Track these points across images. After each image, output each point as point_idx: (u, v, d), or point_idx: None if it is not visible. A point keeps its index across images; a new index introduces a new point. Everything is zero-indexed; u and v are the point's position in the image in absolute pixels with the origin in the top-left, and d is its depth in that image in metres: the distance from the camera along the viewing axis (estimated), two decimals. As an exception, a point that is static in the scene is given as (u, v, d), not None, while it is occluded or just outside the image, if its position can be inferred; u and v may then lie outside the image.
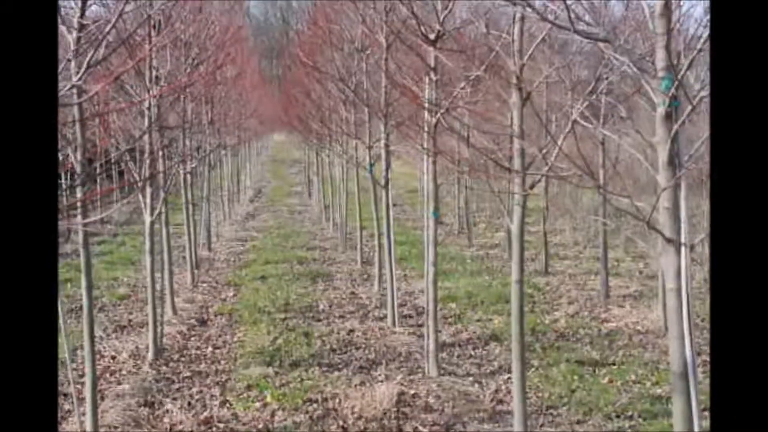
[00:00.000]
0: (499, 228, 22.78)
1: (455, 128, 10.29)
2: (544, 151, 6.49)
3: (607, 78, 7.92)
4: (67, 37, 6.58)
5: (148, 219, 10.40)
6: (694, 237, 4.87)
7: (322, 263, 18.57)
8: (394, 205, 14.60)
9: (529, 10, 5.08)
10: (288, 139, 56.69)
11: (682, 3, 4.91)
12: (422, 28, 9.08)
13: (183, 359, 10.70)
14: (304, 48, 18.17)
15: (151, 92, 10.09)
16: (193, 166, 16.44)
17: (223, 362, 10.61)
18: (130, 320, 12.71)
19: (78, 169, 7.00)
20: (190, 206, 16.17)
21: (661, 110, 4.62)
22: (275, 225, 25.98)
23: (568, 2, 4.67)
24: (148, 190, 10.39)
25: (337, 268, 17.85)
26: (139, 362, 10.40)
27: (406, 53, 10.88)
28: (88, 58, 5.53)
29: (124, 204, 22.31)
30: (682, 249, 4.71)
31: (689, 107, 4.62)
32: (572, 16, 4.69)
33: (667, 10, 4.57)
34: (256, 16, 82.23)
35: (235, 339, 11.80)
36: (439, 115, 9.20)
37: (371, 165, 14.14)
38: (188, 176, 15.84)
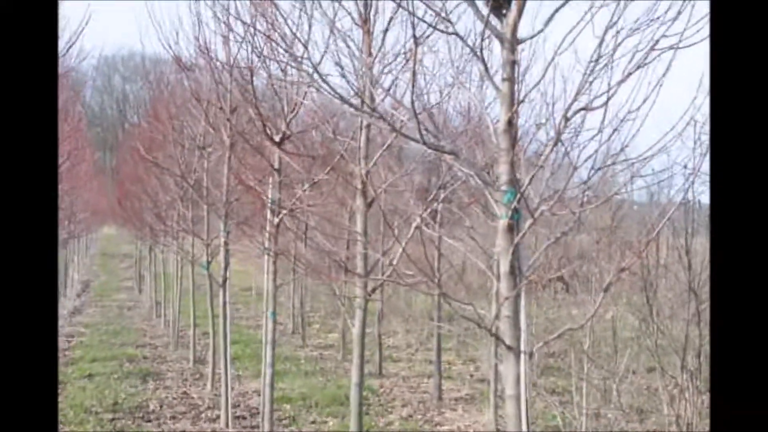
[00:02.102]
0: (332, 329, 22.77)
1: (297, 229, 10.33)
2: (390, 257, 6.60)
3: (448, 186, 8.18)
4: None
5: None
6: (533, 344, 5.02)
7: (153, 361, 18.02)
8: (233, 303, 14.41)
9: (381, 122, 5.21)
10: (118, 232, 55.34)
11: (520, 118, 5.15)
12: (267, 130, 9.14)
13: (1, 463, 10.10)
14: (144, 142, 17.92)
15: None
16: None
17: (45, 466, 10.07)
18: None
19: None
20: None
21: (503, 222, 4.78)
22: (103, 321, 25.13)
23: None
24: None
25: (169, 366, 17.36)
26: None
27: (251, 153, 10.90)
28: None
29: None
30: (522, 356, 4.85)
31: (530, 219, 4.82)
32: (422, 128, 4.86)
33: (510, 126, 4.78)
34: (92, 107, 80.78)
35: (59, 441, 11.26)
36: (282, 215, 9.24)
37: (208, 263, 13.98)
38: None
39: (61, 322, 24.27)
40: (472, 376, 16.62)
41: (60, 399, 13.90)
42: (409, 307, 22.01)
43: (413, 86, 4.86)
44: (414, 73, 5.00)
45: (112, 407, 13.18)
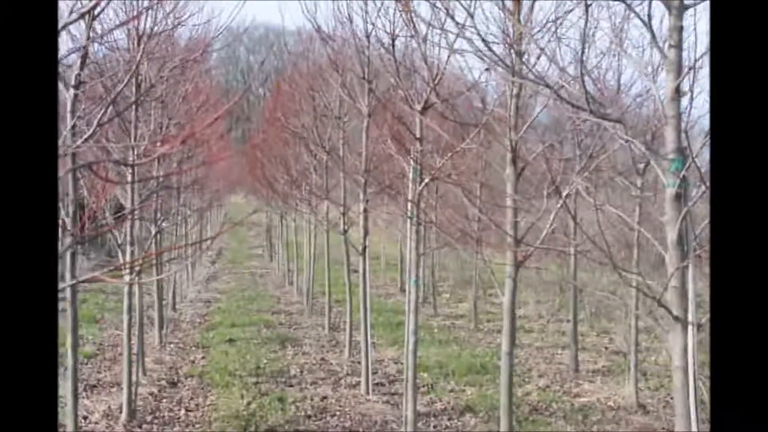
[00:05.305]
0: (462, 299, 22.82)
1: (435, 198, 10.42)
2: (553, 226, 6.56)
3: (599, 155, 8.08)
4: (65, 94, 6.58)
5: (127, 278, 10.27)
6: (702, 316, 4.95)
7: (289, 327, 18.43)
8: (355, 271, 14.55)
9: (546, 89, 5.17)
10: (246, 201, 56.48)
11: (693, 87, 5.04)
12: (409, 98, 9.15)
13: (156, 421, 10.51)
14: (283, 110, 18.21)
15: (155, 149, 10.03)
16: (165, 226, 16.32)
17: (197, 426, 10.43)
18: (98, 380, 12.48)
19: (69, 226, 6.92)
20: (160, 266, 16.01)
21: (671, 191, 4.69)
22: (238, 287, 25.79)
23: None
24: (128, 248, 10.31)
25: (305, 333, 17.72)
26: (111, 423, 10.20)
27: (390, 120, 10.91)
28: (98, 117, 5.49)
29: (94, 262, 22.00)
30: (689, 328, 4.78)
31: (702, 188, 4.72)
32: (588, 97, 4.81)
33: (677, 94, 4.69)
34: (217, 78, 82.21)
35: (208, 402, 11.61)
36: (426, 182, 9.26)
37: (345, 231, 14.13)
38: (158, 236, 15.70)
39: (198, 288, 25.06)
40: (606, 348, 16.42)
41: (204, 362, 14.36)
42: (538, 278, 21.82)
43: (583, 54, 4.81)
44: (583, 40, 4.96)
45: (255, 371, 13.51)
